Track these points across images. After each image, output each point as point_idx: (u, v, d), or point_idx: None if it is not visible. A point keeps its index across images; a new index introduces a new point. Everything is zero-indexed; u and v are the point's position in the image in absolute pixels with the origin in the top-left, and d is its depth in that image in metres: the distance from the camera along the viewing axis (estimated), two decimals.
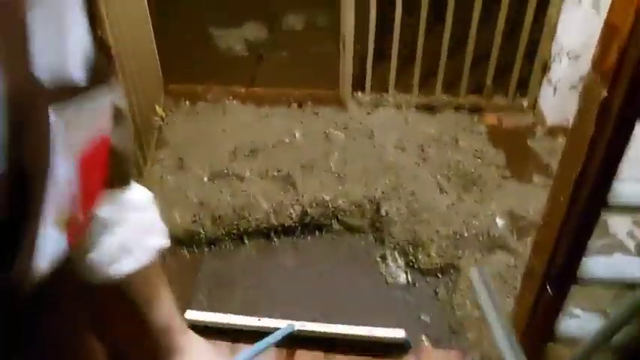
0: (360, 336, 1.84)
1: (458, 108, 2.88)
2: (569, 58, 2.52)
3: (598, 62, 1.09)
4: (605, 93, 1.07)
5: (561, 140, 2.70)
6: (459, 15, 2.64)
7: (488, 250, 2.19)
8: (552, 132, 2.74)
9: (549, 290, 1.39)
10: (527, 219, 2.31)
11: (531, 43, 2.71)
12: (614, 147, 1.03)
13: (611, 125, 1.02)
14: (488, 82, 2.82)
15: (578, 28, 2.44)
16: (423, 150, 2.63)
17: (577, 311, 1.50)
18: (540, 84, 2.81)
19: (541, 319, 1.46)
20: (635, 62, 0.97)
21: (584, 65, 2.50)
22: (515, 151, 2.66)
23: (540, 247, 1.42)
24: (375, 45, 2.77)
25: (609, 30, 1.03)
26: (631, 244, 2.06)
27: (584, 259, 1.34)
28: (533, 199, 2.40)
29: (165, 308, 0.75)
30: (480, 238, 2.23)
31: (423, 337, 1.96)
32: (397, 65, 2.82)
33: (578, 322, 1.50)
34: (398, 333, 1.85)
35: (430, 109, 2.89)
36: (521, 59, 2.75)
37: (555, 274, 1.36)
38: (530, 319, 1.46)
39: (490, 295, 1.53)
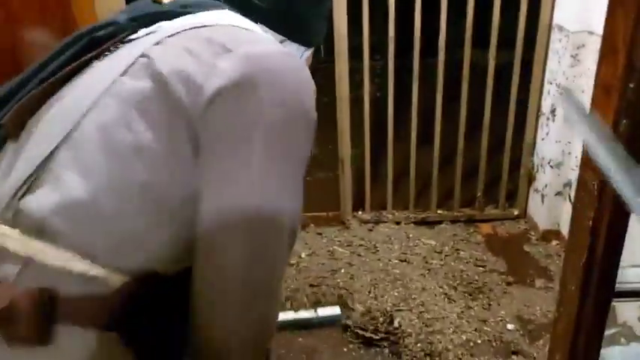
0: None
1: (454, 221, 3.04)
2: (552, 167, 2.74)
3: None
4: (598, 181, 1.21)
5: (554, 243, 2.84)
6: (446, 134, 2.90)
7: (504, 356, 2.22)
8: (545, 237, 2.88)
9: None
10: (535, 322, 2.37)
11: (515, 156, 2.95)
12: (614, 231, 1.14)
13: (608, 213, 1.14)
14: (479, 194, 3.01)
15: (555, 139, 2.68)
16: (426, 262, 2.73)
17: None
18: (528, 193, 3.00)
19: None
20: None
21: (567, 171, 2.72)
22: (514, 257, 2.78)
23: (558, 346, 1.48)
24: (370, 167, 2.98)
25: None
26: None
27: (602, 352, 1.40)
28: (539, 301, 2.47)
29: None
30: (494, 344, 2.26)
31: None
32: (393, 185, 3.02)
33: None
34: None
35: (428, 223, 3.04)
36: (507, 173, 2.97)
37: None
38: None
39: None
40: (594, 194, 1.20)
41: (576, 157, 2.62)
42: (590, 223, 1.19)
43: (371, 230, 2.99)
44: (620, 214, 1.18)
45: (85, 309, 0.77)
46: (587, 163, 1.31)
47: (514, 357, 2.20)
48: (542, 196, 2.85)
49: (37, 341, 0.73)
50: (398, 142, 2.95)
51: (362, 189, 3.04)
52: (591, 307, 1.33)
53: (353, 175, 3.00)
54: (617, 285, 1.29)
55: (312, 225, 3.07)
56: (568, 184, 2.72)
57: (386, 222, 3.04)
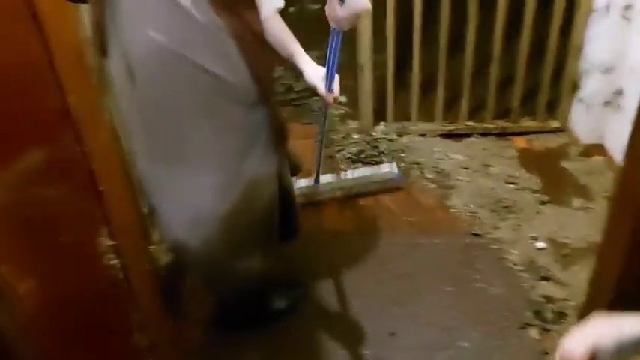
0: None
1: (485, 134, 2.76)
2: (601, 73, 2.39)
3: None
4: None
5: (597, 159, 2.55)
6: (481, 38, 2.55)
7: (534, 280, 2.02)
8: (587, 152, 2.58)
9: None
10: (570, 246, 2.14)
11: (558, 62, 2.60)
12: None
13: None
14: (516, 104, 2.70)
15: (608, 39, 2.32)
16: (449, 177, 2.50)
17: None
18: (570, 103, 2.67)
19: None
20: None
21: (619, 77, 2.38)
22: (550, 174, 2.51)
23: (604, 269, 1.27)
24: (394, 75, 2.68)
25: None
26: None
27: None
28: (576, 223, 2.24)
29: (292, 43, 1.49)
30: (522, 269, 2.06)
31: None
32: (419, 94, 2.72)
33: None
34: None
35: (456, 135, 2.77)
36: (548, 80, 2.64)
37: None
38: None
39: None
40: None
41: (631, 60, 2.27)
42: None
43: (392, 141, 2.74)
44: None
45: None
46: None
47: (543, 283, 2.00)
48: (587, 107, 2.53)
49: None
50: (425, 46, 2.62)
51: (383, 98, 2.76)
52: None
53: (374, 84, 2.70)
54: None
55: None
56: (619, 92, 2.38)
57: (410, 134, 2.78)
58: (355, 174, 2.44)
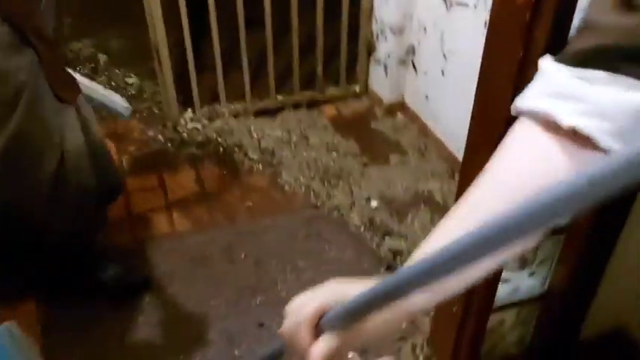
0: None
1: (296, 106, 2.75)
2: (393, 34, 2.54)
3: None
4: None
5: (401, 116, 2.73)
6: (277, 10, 2.50)
7: (378, 238, 2.07)
8: (391, 111, 2.74)
9: None
10: (399, 199, 2.25)
11: (353, 26, 2.68)
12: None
13: None
14: (319, 73, 2.73)
15: (395, 1, 2.46)
16: (274, 154, 2.44)
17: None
18: (368, 66, 2.80)
19: (482, 290, 1.36)
20: None
21: (409, 37, 2.55)
22: (364, 136, 2.61)
23: None
24: (194, 56, 2.49)
25: None
26: None
27: None
28: (398, 178, 2.36)
29: None
30: (365, 227, 2.11)
31: None
32: (223, 74, 2.58)
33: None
34: None
35: (268, 112, 2.70)
36: (346, 45, 2.71)
37: None
38: (470, 293, 1.35)
39: None
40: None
41: (418, 20, 2.44)
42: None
43: (205, 127, 2.57)
44: None
45: None
46: None
47: (387, 239, 2.07)
48: (385, 67, 2.67)
49: None
50: (222, 24, 2.48)
51: (187, 82, 2.56)
52: None
53: (173, 67, 2.48)
54: None
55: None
56: (411, 51, 2.56)
57: (222, 118, 2.63)
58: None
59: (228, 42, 2.55)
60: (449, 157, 2.39)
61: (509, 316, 1.52)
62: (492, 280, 1.34)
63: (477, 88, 1.13)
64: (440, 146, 2.46)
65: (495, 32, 1.06)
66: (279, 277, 1.89)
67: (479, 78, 1.12)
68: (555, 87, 0.53)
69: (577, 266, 1.41)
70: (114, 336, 1.69)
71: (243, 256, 1.96)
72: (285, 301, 0.59)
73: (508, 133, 0.58)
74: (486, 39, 1.07)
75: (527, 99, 0.56)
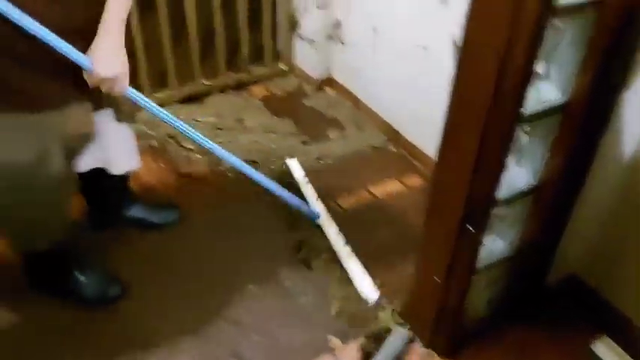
0: None
1: (223, 90, 2.64)
2: (319, 8, 2.50)
3: None
4: None
5: (331, 91, 2.71)
6: None
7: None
8: (321, 87, 2.72)
9: (470, 228, 1.33)
10: None
11: (274, 3, 2.61)
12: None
13: None
14: (243, 52, 2.64)
15: None
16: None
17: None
18: (292, 43, 2.75)
19: (465, 258, 1.41)
20: None
21: (335, 11, 2.52)
22: (299, 115, 2.57)
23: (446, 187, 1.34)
24: None
25: None
26: None
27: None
28: (339, 151, 2.36)
29: None
30: None
31: None
32: (145, 60, 2.41)
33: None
34: None
35: (195, 98, 2.58)
36: (269, 23, 2.64)
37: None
38: (454, 259, 1.39)
39: None
40: None
41: None
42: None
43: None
44: None
45: None
46: None
47: None
48: (311, 43, 2.63)
49: None
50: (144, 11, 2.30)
51: None
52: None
53: None
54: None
55: None
56: (338, 25, 2.53)
57: (143, 109, 2.46)
58: None
59: (150, 30, 2.38)
60: (387, 128, 2.42)
61: (481, 278, 1.59)
62: (474, 247, 1.39)
63: (457, 65, 1.14)
64: (375, 118, 2.48)
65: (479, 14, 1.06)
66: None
67: (460, 57, 1.12)
68: None
69: (543, 225, 1.50)
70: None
71: (219, 254, 1.88)
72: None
73: None
74: (468, 18, 1.08)
75: None
